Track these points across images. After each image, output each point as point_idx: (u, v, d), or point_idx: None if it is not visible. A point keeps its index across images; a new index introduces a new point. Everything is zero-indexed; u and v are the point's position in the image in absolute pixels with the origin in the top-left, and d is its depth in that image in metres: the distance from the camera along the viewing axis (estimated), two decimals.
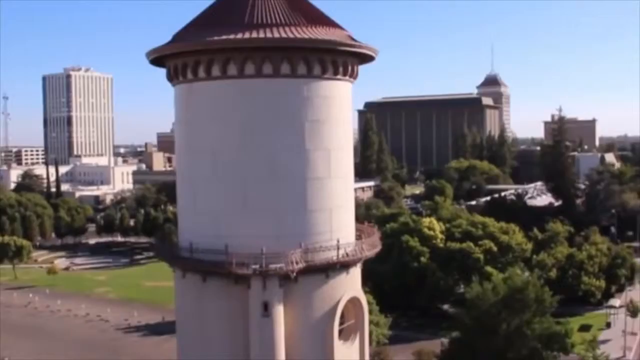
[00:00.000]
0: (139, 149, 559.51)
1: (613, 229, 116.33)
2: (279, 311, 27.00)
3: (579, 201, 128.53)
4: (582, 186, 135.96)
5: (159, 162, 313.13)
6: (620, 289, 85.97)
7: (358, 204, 56.48)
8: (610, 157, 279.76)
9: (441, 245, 75.59)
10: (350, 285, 29.57)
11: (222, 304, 27.70)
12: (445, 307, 77.47)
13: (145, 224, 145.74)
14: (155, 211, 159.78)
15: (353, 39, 29.73)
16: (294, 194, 27.91)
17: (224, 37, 26.67)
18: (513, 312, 49.30)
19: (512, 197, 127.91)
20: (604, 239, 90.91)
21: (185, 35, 28.65)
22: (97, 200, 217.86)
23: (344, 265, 28.61)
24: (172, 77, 29.29)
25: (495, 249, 74.49)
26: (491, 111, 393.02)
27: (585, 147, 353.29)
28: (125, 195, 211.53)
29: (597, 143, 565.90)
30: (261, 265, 26.47)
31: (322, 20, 29.03)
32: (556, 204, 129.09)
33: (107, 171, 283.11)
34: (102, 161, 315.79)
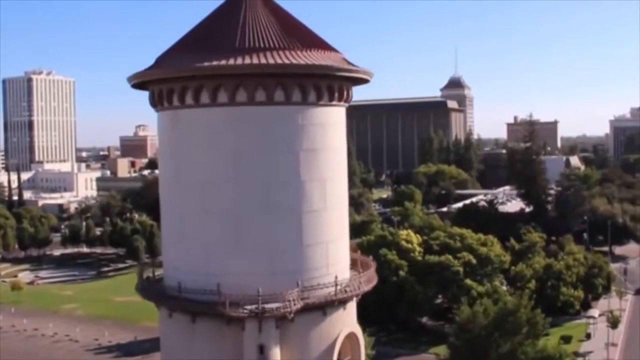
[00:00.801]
0: (101, 153, 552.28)
1: (585, 236, 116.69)
2: (276, 353, 25.45)
3: (549, 207, 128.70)
4: (552, 191, 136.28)
5: (123, 168, 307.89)
6: (597, 298, 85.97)
7: None
8: (575, 160, 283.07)
9: (419, 258, 74.49)
10: (347, 321, 28.13)
11: (214, 346, 26.01)
12: (424, 320, 76.57)
13: (112, 235, 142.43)
14: (123, 221, 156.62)
15: (349, 63, 28.34)
16: (289, 229, 26.35)
17: (215, 62, 24.97)
18: (505, 335, 48.23)
19: (484, 203, 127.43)
20: (580, 247, 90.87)
21: (171, 59, 26.86)
22: (60, 208, 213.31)
23: (341, 302, 27.15)
24: (155, 103, 27.48)
25: (474, 261, 73.61)
26: (456, 114, 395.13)
27: (548, 148, 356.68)
28: (90, 204, 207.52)
29: (559, 144, 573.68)
30: (257, 307, 24.84)
31: (317, 42, 27.51)
32: (527, 210, 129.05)
33: (70, 177, 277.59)
34: (65, 167, 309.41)
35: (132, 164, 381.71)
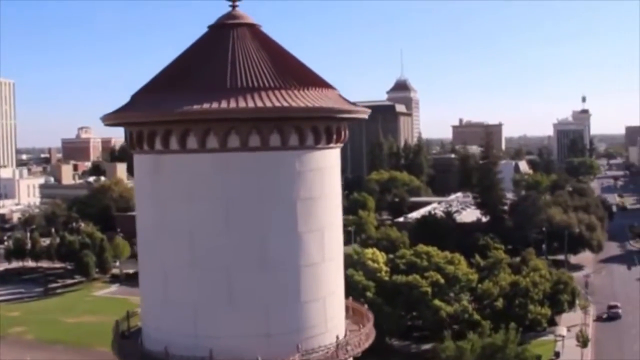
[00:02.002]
0: (42, 155, 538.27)
1: (544, 247, 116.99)
2: None
3: (506, 216, 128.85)
4: (507, 200, 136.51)
5: (67, 174, 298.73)
6: (560, 312, 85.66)
7: None
8: (523, 165, 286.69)
9: (386, 278, 72.70)
10: None
11: None
12: (392, 341, 74.92)
13: (59, 248, 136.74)
14: (69, 231, 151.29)
15: (345, 100, 26.18)
16: (286, 285, 24.04)
17: (206, 105, 22.41)
18: None
19: (442, 214, 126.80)
20: (543, 261, 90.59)
21: (152, 99, 24.14)
22: (2, 218, 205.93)
23: None
24: (133, 145, 24.82)
25: (442, 280, 72.17)
26: (404, 118, 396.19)
27: (494, 151, 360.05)
28: (34, 213, 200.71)
29: (503, 147, 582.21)
30: None
31: (313, 80, 25.23)
32: (484, 219, 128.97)
33: (11, 184, 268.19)
34: (5, 173, 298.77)
35: (75, 167, 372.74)
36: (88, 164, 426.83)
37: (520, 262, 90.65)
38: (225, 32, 25.58)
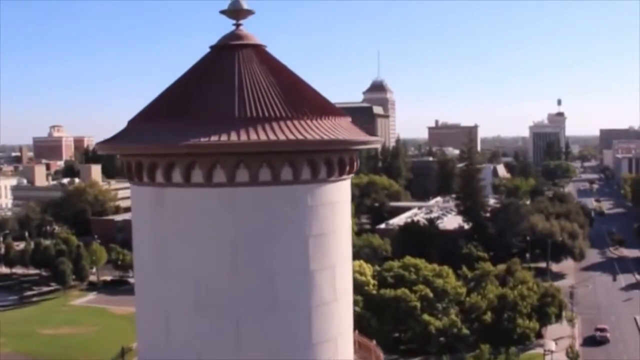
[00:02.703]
0: (13, 154, 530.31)
1: (528, 255, 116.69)
2: None
3: (489, 223, 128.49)
4: (488, 206, 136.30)
5: (41, 175, 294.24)
6: (546, 324, 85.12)
7: None
8: (501, 169, 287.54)
9: (374, 291, 71.41)
10: None
11: None
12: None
13: (34, 254, 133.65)
14: (45, 238, 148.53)
15: (360, 128, 24.66)
16: (297, 327, 22.38)
17: (214, 138, 20.72)
18: None
19: (424, 221, 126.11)
20: (529, 273, 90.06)
21: (151, 128, 22.37)
22: None
23: None
24: (131, 176, 23.05)
25: (430, 295, 71.04)
26: (382, 120, 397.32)
27: (477, 156, 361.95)
28: (7, 216, 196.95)
29: (479, 148, 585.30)
30: None
31: (325, 107, 23.64)
32: (466, 226, 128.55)
33: None
34: None
35: (47, 167, 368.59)
36: (60, 163, 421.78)
37: (505, 272, 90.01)
38: (229, 54, 23.88)
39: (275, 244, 22.08)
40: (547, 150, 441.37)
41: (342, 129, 23.22)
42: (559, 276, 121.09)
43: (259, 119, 21.60)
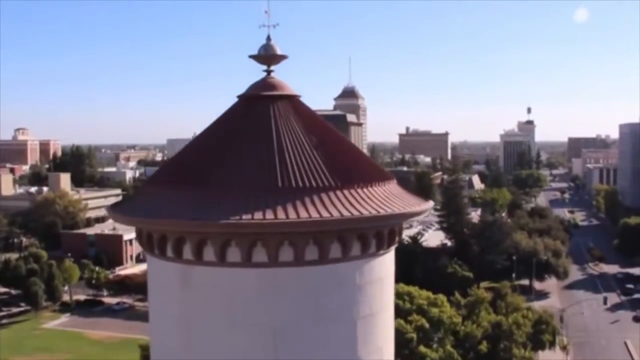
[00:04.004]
0: None
1: (514, 275, 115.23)
2: None
3: (472, 240, 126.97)
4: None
5: (7, 184, 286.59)
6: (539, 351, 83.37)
7: None
8: (476, 180, 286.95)
9: None
10: None
11: None
12: None
13: (3, 272, 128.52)
14: (13, 251, 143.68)
15: (404, 189, 21.97)
16: None
17: (258, 215, 17.83)
18: None
19: (407, 238, 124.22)
20: (522, 298, 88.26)
21: (176, 194, 19.38)
22: None
23: None
24: (151, 248, 19.99)
25: (426, 325, 68.50)
26: (355, 128, 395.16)
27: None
28: None
29: (449, 156, 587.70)
30: None
31: (373, 171, 20.90)
32: (449, 244, 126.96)
33: None
34: None
35: (12, 171, 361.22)
36: (26, 168, 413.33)
37: (495, 296, 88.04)
38: (263, 107, 20.96)
39: (321, 331, 19.23)
40: (519, 160, 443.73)
41: (395, 197, 20.46)
42: (543, 294, 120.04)
43: (306, 189, 18.74)
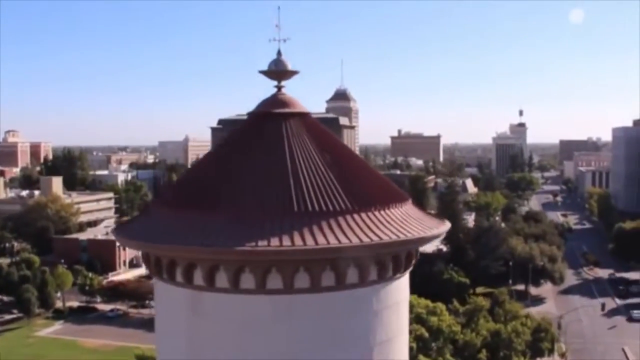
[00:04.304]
0: None
1: (510, 281, 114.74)
2: None
3: (468, 246, 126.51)
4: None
5: None
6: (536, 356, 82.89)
7: None
8: (469, 184, 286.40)
9: None
10: None
11: None
12: None
13: None
14: (5, 256, 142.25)
15: (420, 208, 21.34)
16: None
17: (274, 242, 17.11)
18: None
19: None
20: (519, 305, 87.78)
21: (186, 218, 18.57)
22: None
23: None
24: (159, 273, 19.22)
25: (426, 334, 67.83)
26: (348, 131, 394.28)
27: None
28: None
29: (441, 158, 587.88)
30: None
31: (388, 189, 20.27)
32: (445, 249, 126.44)
33: None
34: None
35: (2, 173, 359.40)
36: (16, 170, 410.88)
37: (493, 303, 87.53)
38: (275, 125, 20.23)
39: (336, 357, 18.59)
40: (511, 162, 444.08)
41: (413, 220, 19.77)
42: (539, 300, 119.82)
43: (322, 213, 18.04)
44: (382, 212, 19.02)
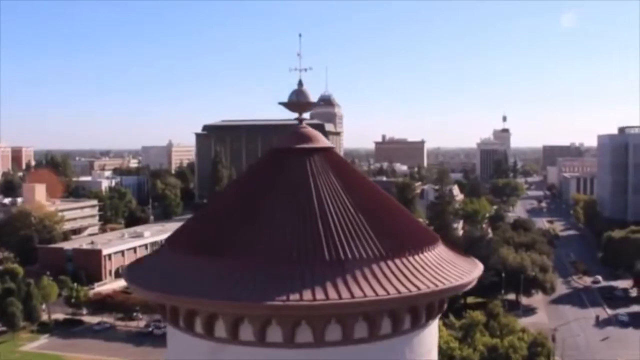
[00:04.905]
0: None
1: (502, 291, 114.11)
2: None
3: None
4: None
5: None
6: None
7: None
8: (456, 191, 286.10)
9: None
10: None
11: None
12: None
13: None
14: None
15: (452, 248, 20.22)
16: None
17: (307, 296, 15.88)
18: None
19: None
20: (515, 319, 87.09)
21: (207, 266, 17.25)
22: None
23: None
24: (176, 322, 17.92)
25: None
26: (333, 137, 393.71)
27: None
28: None
29: (425, 164, 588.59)
30: None
31: (418, 231, 19.22)
32: None
33: None
34: None
35: None
36: None
37: (487, 316, 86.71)
38: (299, 161, 19.05)
39: None
40: (496, 168, 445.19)
41: (447, 264, 18.64)
42: (530, 310, 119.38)
43: (355, 262, 16.87)
44: (416, 257, 17.91)
